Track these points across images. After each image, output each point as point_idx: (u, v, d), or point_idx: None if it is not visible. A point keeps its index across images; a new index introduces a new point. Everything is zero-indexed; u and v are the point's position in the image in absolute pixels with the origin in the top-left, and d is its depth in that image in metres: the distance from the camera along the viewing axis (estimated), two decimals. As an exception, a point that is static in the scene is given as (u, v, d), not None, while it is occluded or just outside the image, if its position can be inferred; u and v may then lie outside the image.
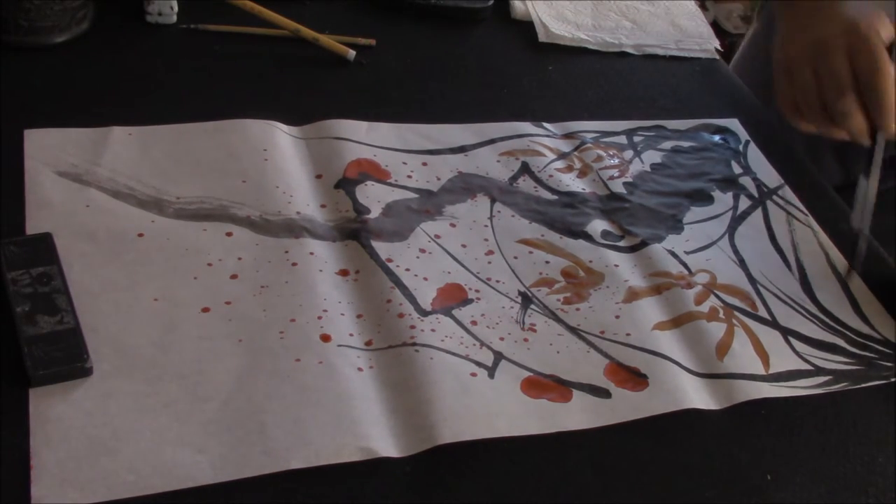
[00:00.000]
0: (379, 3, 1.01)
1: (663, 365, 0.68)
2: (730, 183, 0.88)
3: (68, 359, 0.58)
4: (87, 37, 0.86)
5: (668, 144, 0.91)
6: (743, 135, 0.95)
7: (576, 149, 0.88)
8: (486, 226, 0.77)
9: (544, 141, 0.87)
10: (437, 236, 0.75)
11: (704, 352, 0.70)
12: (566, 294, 0.73)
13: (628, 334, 0.70)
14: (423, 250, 0.73)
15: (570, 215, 0.80)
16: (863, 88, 0.71)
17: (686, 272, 0.77)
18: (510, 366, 0.66)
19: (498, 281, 0.72)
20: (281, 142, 0.79)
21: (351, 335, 0.65)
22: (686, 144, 0.92)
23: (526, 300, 0.71)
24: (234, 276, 0.67)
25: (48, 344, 0.58)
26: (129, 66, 0.85)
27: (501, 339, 0.68)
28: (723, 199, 0.86)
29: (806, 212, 0.87)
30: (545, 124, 0.90)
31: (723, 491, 0.62)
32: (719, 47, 1.08)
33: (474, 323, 0.68)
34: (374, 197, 0.76)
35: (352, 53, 0.92)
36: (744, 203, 0.86)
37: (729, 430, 0.66)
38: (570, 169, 0.85)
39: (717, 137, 0.94)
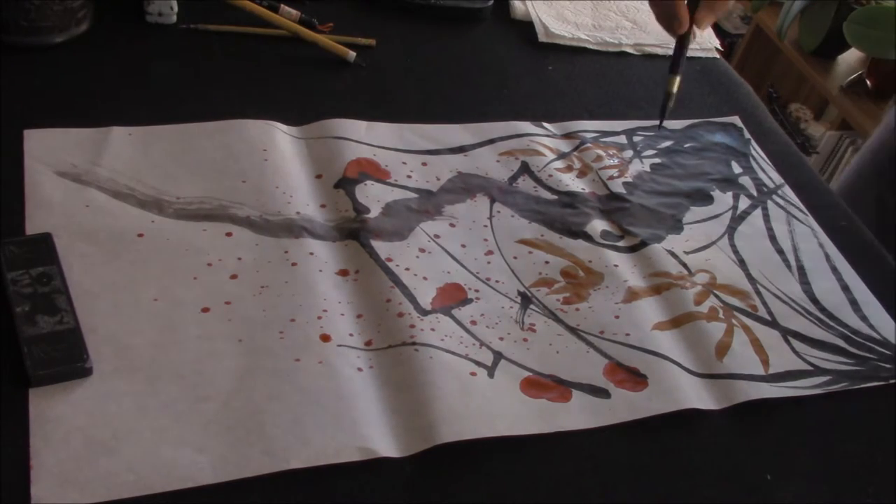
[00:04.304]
0: (379, 3, 1.01)
1: (663, 365, 0.68)
2: (730, 183, 0.88)
3: (68, 359, 0.58)
4: (87, 37, 0.86)
5: (667, 144, 0.91)
6: (743, 134, 0.95)
7: (575, 149, 0.88)
8: (485, 226, 0.77)
9: (544, 141, 0.87)
10: (437, 236, 0.75)
11: (704, 352, 0.70)
12: (566, 294, 0.73)
13: (628, 334, 0.70)
14: (422, 250, 0.73)
15: (569, 215, 0.80)
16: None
17: (686, 272, 0.77)
18: (510, 365, 0.66)
19: (497, 281, 0.72)
20: (281, 142, 0.79)
21: (351, 335, 0.65)
22: (686, 144, 0.92)
23: (525, 300, 0.71)
24: (233, 276, 0.67)
25: (48, 344, 0.58)
26: (129, 66, 0.85)
27: (501, 338, 0.68)
28: (723, 199, 0.86)
29: (806, 212, 0.87)
30: (545, 124, 0.90)
31: (723, 491, 0.62)
32: (719, 47, 1.08)
33: (474, 323, 0.68)
34: (373, 197, 0.76)
35: (352, 55, 0.91)
36: (744, 203, 0.86)
37: (729, 430, 0.66)
38: (569, 169, 0.85)
39: (717, 137, 0.94)
